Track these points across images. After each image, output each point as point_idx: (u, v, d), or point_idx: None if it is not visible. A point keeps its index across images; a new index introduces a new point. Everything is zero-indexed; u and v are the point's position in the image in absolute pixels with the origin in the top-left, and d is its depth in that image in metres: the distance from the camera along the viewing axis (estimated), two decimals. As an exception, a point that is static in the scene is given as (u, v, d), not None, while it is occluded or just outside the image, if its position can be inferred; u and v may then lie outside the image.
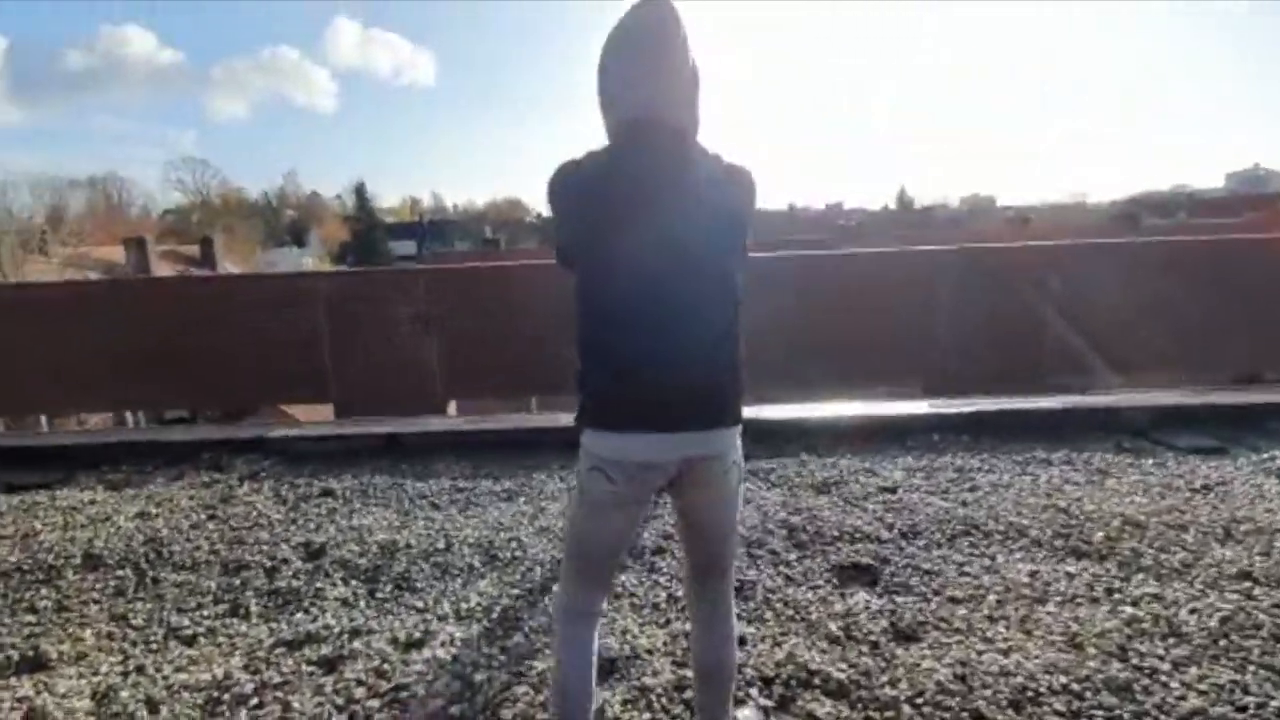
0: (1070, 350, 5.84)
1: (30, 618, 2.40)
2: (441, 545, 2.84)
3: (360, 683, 1.96)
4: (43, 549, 2.94)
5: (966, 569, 2.53)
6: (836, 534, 2.82)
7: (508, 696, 1.88)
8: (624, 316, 1.31)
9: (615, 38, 1.30)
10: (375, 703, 1.88)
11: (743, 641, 2.10)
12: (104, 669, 2.09)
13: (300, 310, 6.84)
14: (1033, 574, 2.46)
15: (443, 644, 2.15)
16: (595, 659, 1.50)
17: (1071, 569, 2.49)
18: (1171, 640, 2.05)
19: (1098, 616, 2.18)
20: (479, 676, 1.97)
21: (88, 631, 2.31)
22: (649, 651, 2.07)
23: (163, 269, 21.74)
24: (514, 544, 2.84)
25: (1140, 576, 2.42)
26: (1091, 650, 2.01)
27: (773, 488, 3.36)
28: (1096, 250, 6.75)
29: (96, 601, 2.52)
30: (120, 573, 2.73)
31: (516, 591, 2.49)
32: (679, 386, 1.30)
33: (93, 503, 3.49)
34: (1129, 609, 2.21)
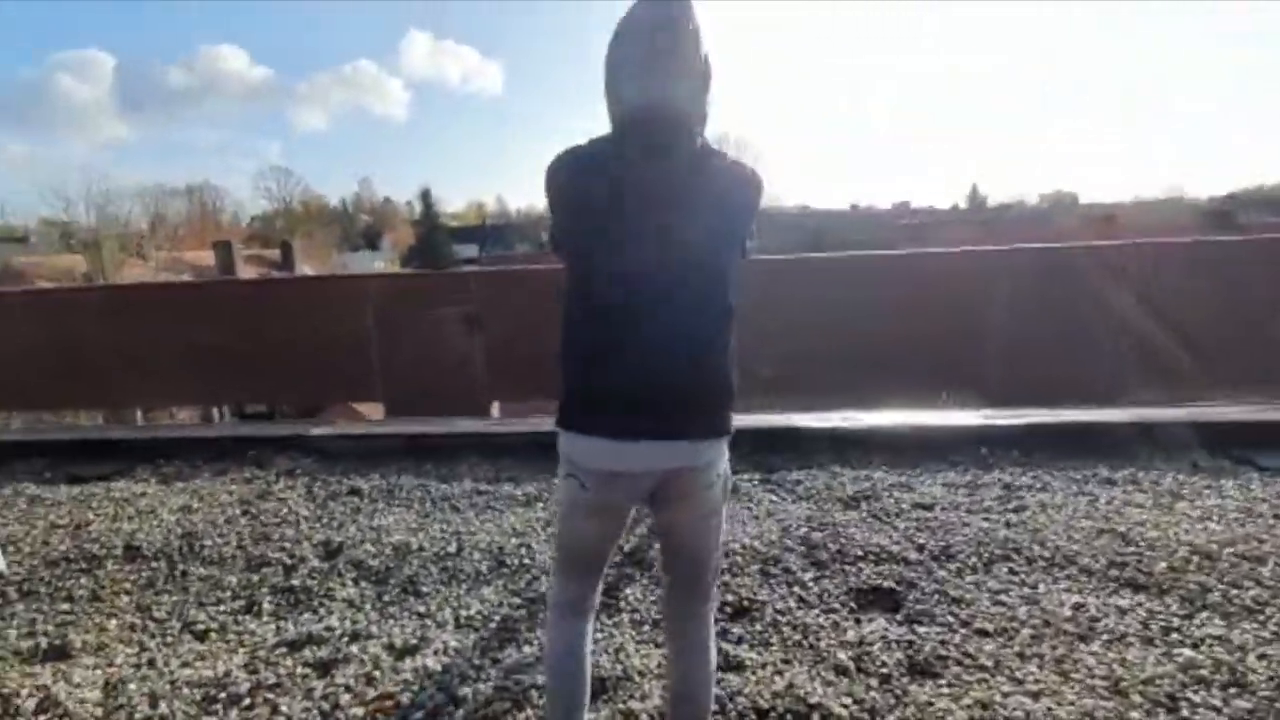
0: (1155, 361, 5.35)
1: (65, 606, 2.53)
2: (453, 549, 2.84)
3: (348, 689, 1.95)
4: (90, 539, 3.11)
5: (1002, 598, 2.31)
6: (860, 553, 2.64)
7: (488, 714, 1.83)
8: (604, 314, 1.26)
9: (623, 27, 1.23)
10: (359, 710, 1.87)
11: (741, 667, 1.98)
12: (119, 660, 2.17)
13: (350, 311, 7.08)
14: (1078, 607, 2.22)
15: (436, 652, 2.12)
16: (587, 655, 1.44)
17: (1124, 603, 2.23)
18: (1232, 690, 1.79)
19: (1149, 659, 1.94)
20: (464, 690, 1.92)
21: (113, 622, 2.41)
22: (641, 673, 1.97)
23: (247, 271, 23.08)
24: (524, 551, 2.80)
25: (1204, 615, 2.15)
26: (1136, 698, 1.79)
27: (798, 500, 3.20)
28: (1180, 249, 6.17)
29: (128, 593, 2.64)
30: (154, 564, 2.85)
31: (518, 601, 2.44)
32: (659, 392, 1.23)
33: (143, 495, 3.68)
34: (1187, 652, 1.96)
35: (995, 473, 3.42)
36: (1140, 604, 2.22)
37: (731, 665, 1.99)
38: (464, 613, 2.36)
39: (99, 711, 1.91)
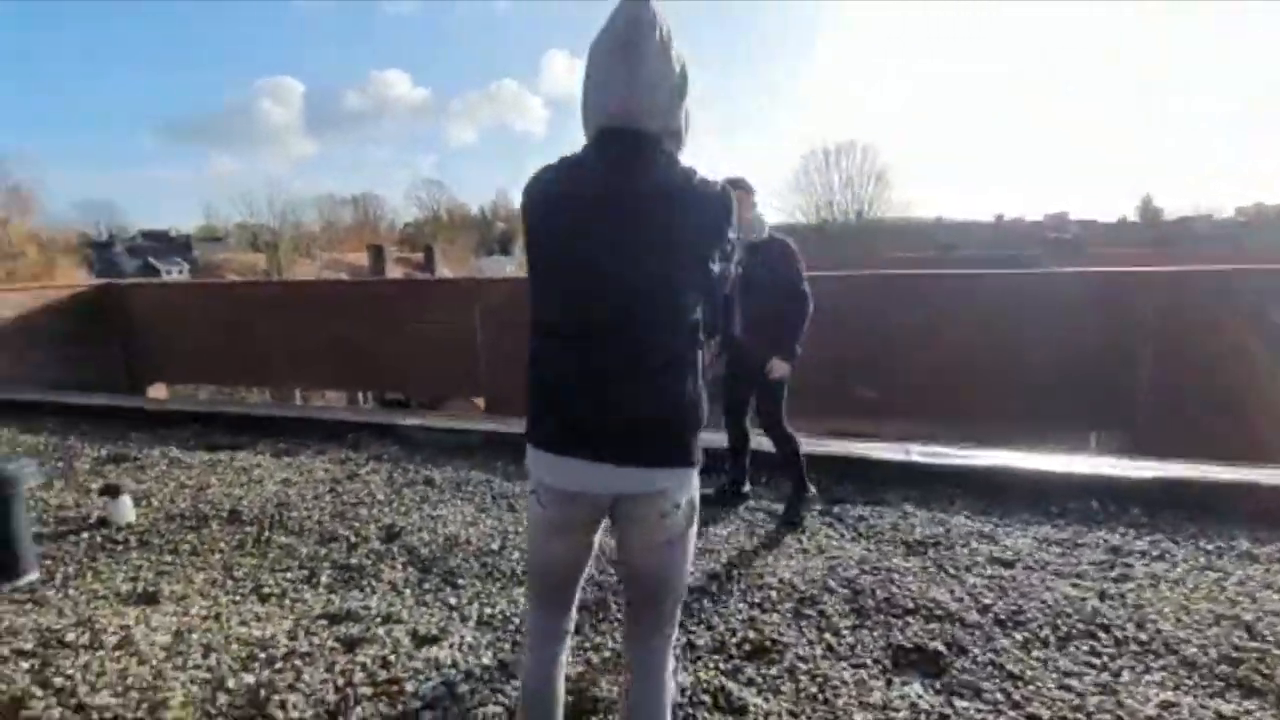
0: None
1: (169, 558, 2.91)
2: (496, 547, 2.92)
3: (364, 668, 2.07)
4: (205, 501, 3.55)
5: (1071, 682, 1.99)
6: (911, 605, 2.39)
7: (481, 714, 1.85)
8: (562, 334, 1.25)
9: (594, 41, 1.22)
10: (368, 690, 1.97)
11: (743, 711, 1.86)
12: (193, 611, 2.45)
13: (458, 312, 7.56)
14: (1166, 706, 1.86)
15: (452, 645, 2.19)
16: (560, 682, 1.43)
17: (1228, 709, 1.84)
18: None
19: (1247, 787, 1.58)
20: (464, 687, 1.97)
21: (200, 576, 2.73)
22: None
23: (395, 272, 25.45)
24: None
25: (1341, 743, 1.71)
26: (1217, 833, 1.46)
27: (857, 539, 2.96)
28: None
29: (220, 551, 2.98)
30: (248, 529, 3.20)
31: (542, 606, 2.46)
32: (612, 415, 1.21)
33: (257, 466, 4.15)
34: (1303, 787, 1.57)
35: (1103, 532, 2.97)
36: (1249, 712, 1.82)
37: (733, 708, 1.88)
38: (489, 610, 2.42)
39: (162, 655, 2.16)
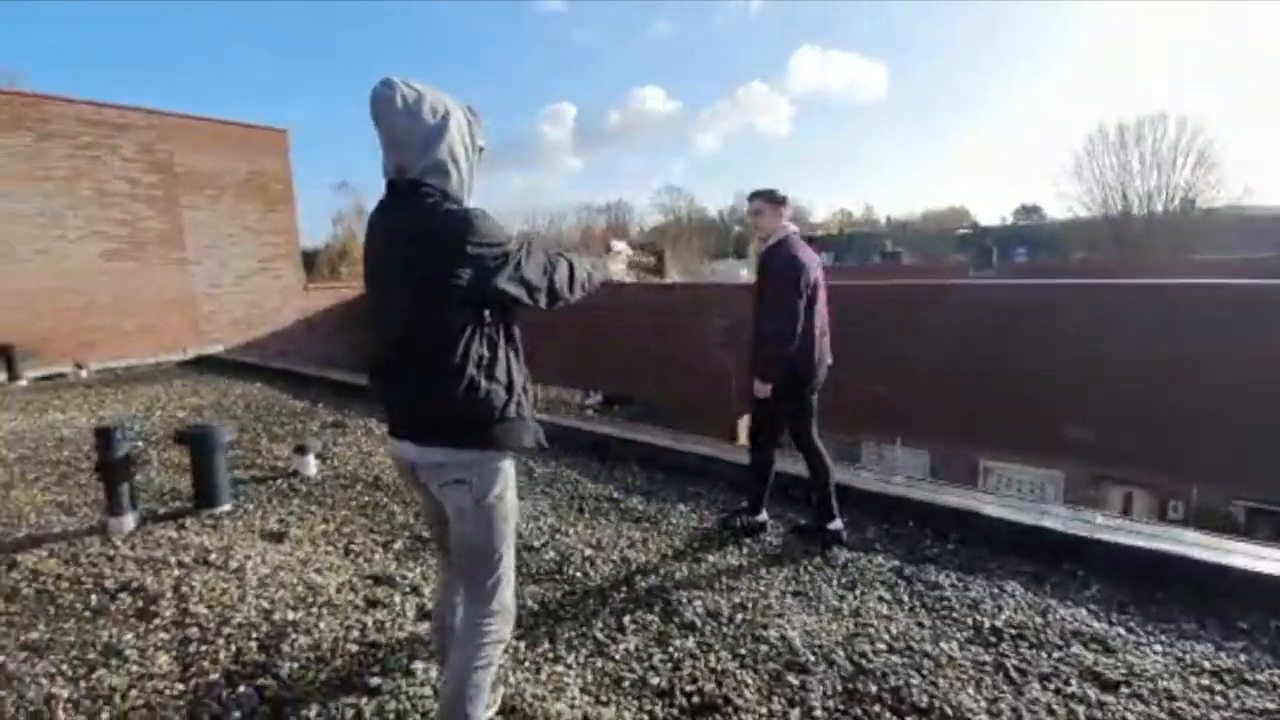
0: None
1: (312, 508, 3.65)
2: (538, 544, 3.09)
3: (363, 628, 2.39)
4: (366, 466, 4.34)
5: None
6: (923, 705, 1.95)
7: (422, 694, 2.02)
8: (376, 339, 1.57)
9: None
10: (354, 647, 2.27)
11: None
12: (297, 554, 3.06)
13: (634, 316, 7.95)
14: None
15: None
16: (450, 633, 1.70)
17: None
18: None
19: None
20: (419, 664, 2.16)
21: (322, 527, 3.38)
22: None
23: (630, 275, 27.26)
24: (588, 564, 2.88)
25: None
26: None
27: (913, 610, 2.48)
28: None
29: (348, 509, 3.64)
30: (377, 493, 3.85)
31: (549, 605, 2.54)
32: (392, 400, 1.56)
33: (418, 442, 4.92)
34: None
35: (1308, 675, 2.05)
36: None
37: (634, 757, 1.76)
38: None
39: (255, 584, 2.76)
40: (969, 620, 2.39)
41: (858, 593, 2.60)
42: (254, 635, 2.37)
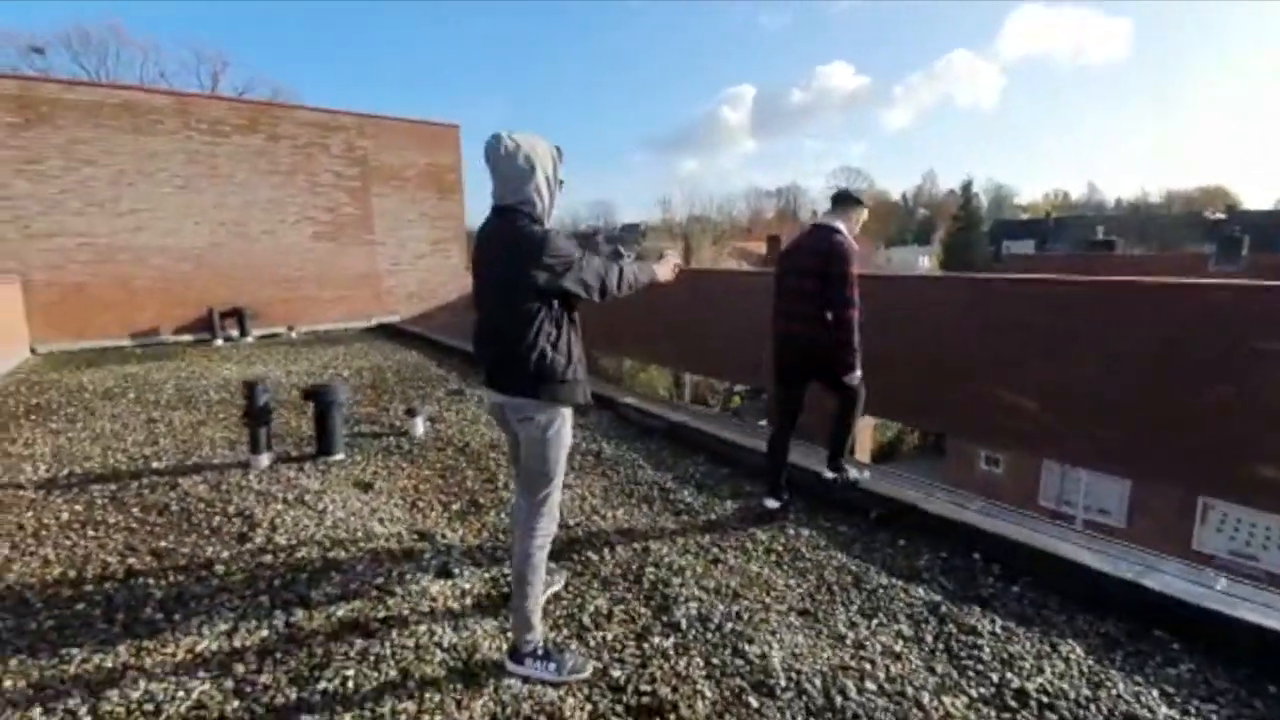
0: None
1: (405, 464, 4.09)
2: (572, 522, 3.19)
3: (388, 575, 2.66)
4: (464, 432, 4.76)
5: None
6: (887, 756, 1.73)
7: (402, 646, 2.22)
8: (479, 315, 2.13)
9: None
10: (374, 592, 2.55)
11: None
12: (374, 503, 3.47)
13: (720, 303, 7.74)
14: None
15: (453, 587, 2.60)
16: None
17: None
18: None
19: None
20: (390, 605, 2.36)
21: (403, 483, 3.79)
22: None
23: (729, 263, 26.49)
24: (607, 549, 2.92)
25: None
26: None
27: (928, 656, 2.18)
28: None
29: (432, 468, 4.03)
30: (461, 459, 4.21)
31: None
32: (489, 361, 2.08)
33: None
34: None
35: None
36: None
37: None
38: (505, 576, 2.74)
39: (329, 524, 3.19)
40: (994, 676, 2.05)
41: (873, 623, 2.35)
42: (308, 567, 2.76)
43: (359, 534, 3.09)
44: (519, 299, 1.94)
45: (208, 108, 9.71)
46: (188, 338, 9.50)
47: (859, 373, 3.07)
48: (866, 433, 6.81)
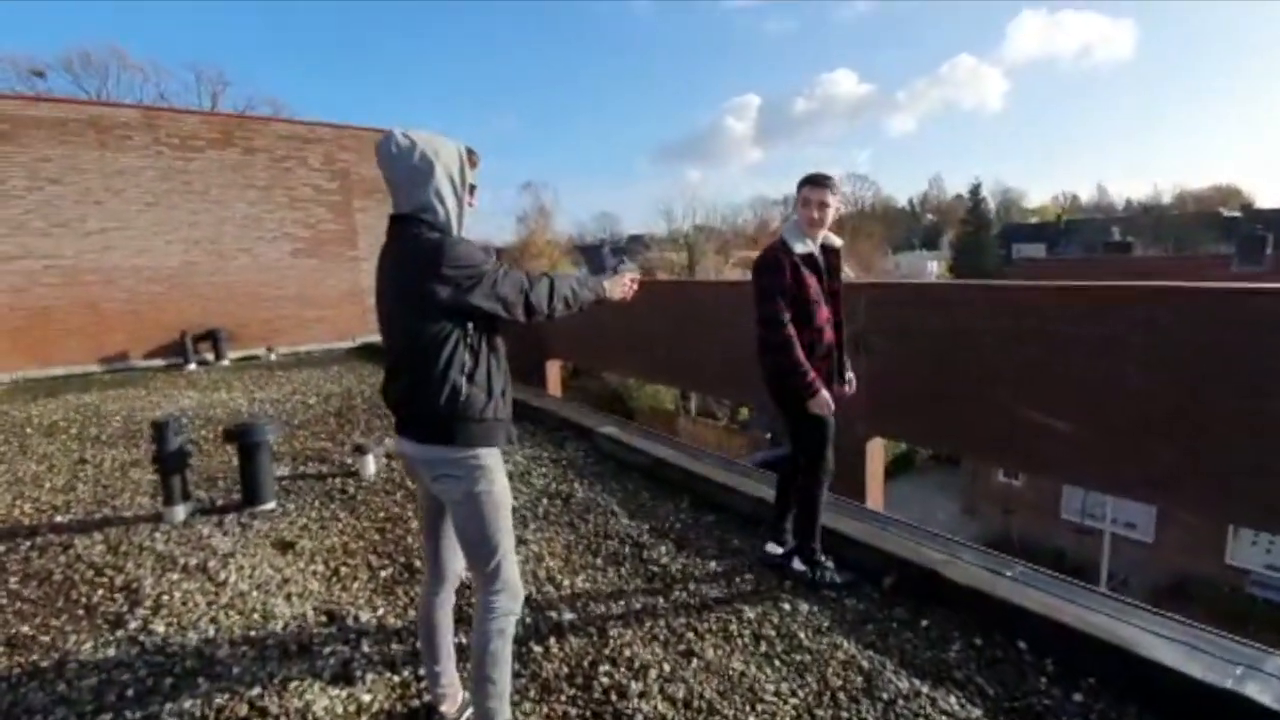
0: None
1: (344, 514, 3.54)
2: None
3: (271, 678, 2.10)
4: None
5: None
6: None
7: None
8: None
9: None
10: (245, 707, 1.99)
11: None
12: (296, 568, 2.92)
13: (712, 316, 7.17)
14: None
15: (348, 699, 2.05)
16: (440, 620, 1.89)
17: None
18: None
19: None
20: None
21: (338, 539, 3.24)
22: None
23: (734, 272, 26.16)
24: (555, 632, 2.35)
25: None
26: None
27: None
28: None
29: (373, 519, 3.48)
30: (409, 506, 3.66)
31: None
32: (394, 402, 1.73)
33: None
34: None
35: None
36: None
37: None
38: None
39: (224, 599, 2.64)
40: None
41: (875, 693, 1.76)
42: (177, 666, 2.21)
43: (255, 614, 2.54)
44: (420, 322, 1.60)
45: (179, 121, 9.31)
46: (159, 362, 9.05)
47: (824, 395, 2.49)
48: (877, 453, 6.22)
